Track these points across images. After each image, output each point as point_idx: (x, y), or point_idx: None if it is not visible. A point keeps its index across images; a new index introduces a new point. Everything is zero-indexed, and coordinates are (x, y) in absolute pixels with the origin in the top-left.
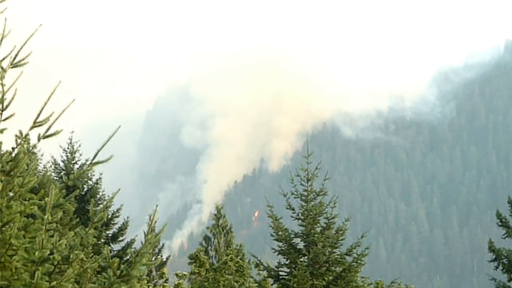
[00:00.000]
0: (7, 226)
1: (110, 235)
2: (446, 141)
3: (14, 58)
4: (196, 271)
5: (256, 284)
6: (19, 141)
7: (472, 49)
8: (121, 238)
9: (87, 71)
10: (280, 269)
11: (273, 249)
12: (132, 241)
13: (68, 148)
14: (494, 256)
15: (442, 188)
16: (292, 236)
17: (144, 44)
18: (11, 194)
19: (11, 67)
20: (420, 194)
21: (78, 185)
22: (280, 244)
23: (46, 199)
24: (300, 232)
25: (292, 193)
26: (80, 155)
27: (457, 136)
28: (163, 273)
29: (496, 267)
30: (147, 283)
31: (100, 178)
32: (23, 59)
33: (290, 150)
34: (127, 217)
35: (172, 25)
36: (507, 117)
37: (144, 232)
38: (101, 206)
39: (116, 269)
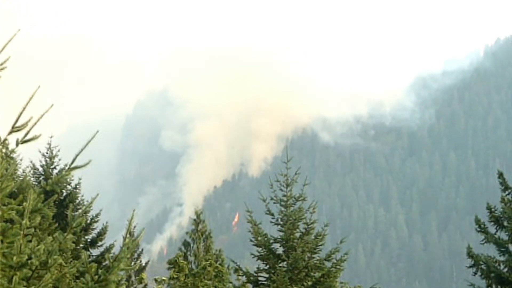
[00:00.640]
0: None
1: (89, 240)
2: (426, 147)
3: None
4: (175, 276)
5: None
6: None
7: (450, 55)
8: (100, 243)
9: (66, 76)
10: (259, 274)
11: (253, 254)
12: (111, 246)
13: (47, 153)
14: (472, 262)
15: (421, 193)
16: (271, 241)
17: (122, 48)
18: None
19: None
20: (399, 200)
21: (57, 190)
22: (260, 249)
23: (24, 204)
24: (279, 237)
25: (272, 198)
26: (59, 159)
27: (436, 142)
28: (142, 278)
29: (475, 273)
30: None
31: (79, 183)
32: (1, 64)
33: (270, 154)
34: (106, 222)
35: (149, 29)
36: (486, 123)
37: (123, 237)
38: (80, 211)
39: (93, 274)
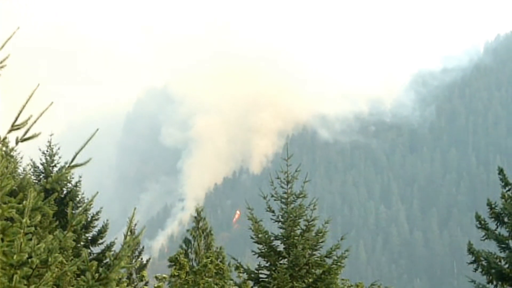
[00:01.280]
0: None
1: (89, 238)
2: (426, 143)
3: None
4: (176, 273)
5: (236, 287)
6: None
7: (450, 51)
8: (101, 241)
9: (66, 74)
10: (260, 271)
11: (253, 251)
12: (111, 244)
13: (47, 151)
14: (473, 258)
15: (422, 190)
16: (272, 238)
17: (122, 46)
18: None
19: None
20: (400, 196)
21: (57, 188)
22: (260, 246)
23: (25, 202)
24: (280, 234)
25: (272, 196)
26: (59, 157)
27: (437, 138)
28: (143, 275)
29: (476, 269)
30: (127, 285)
31: (79, 181)
32: (0, 63)
33: (270, 150)
34: (107, 220)
35: (149, 26)
36: (487, 119)
37: (124, 235)
38: (80, 209)
39: (94, 272)
